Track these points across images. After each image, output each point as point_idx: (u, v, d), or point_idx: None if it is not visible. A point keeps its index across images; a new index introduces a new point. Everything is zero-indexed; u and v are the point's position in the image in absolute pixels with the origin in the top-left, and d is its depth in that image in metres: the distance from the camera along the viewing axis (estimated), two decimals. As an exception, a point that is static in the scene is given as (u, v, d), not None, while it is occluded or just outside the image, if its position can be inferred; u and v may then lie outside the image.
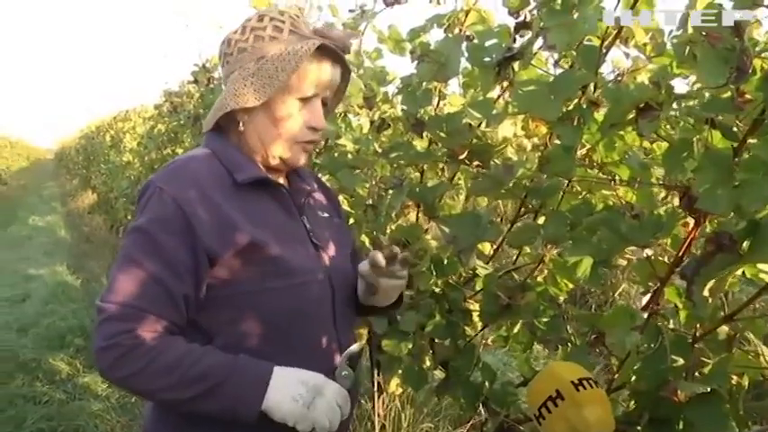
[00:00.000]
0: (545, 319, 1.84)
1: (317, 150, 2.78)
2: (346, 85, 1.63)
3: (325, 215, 1.64)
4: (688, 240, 1.43)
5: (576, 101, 1.63)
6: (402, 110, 2.27)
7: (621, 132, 1.65)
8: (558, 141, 1.72)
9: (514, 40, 1.81)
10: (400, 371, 2.25)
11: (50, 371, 4.71)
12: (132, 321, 1.28)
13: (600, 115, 1.59)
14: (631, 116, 1.44)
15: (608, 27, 1.60)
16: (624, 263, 1.74)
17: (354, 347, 1.47)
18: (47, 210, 15.45)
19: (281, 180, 1.56)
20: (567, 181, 1.75)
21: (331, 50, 1.45)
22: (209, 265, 1.35)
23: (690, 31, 1.37)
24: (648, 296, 1.52)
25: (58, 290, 6.92)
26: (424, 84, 2.14)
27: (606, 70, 1.83)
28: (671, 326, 1.51)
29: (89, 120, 18.77)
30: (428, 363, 2.21)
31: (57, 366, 4.77)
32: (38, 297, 6.68)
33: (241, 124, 1.47)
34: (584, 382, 1.32)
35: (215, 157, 1.46)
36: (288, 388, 1.30)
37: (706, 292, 1.31)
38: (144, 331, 1.29)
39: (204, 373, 1.28)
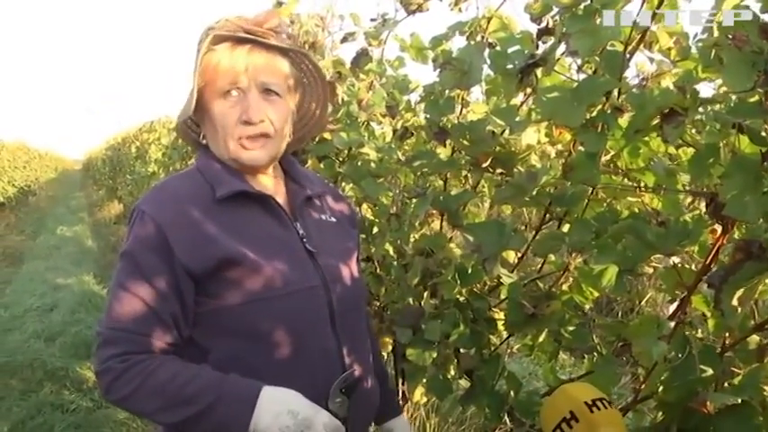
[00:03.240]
0: (571, 328, 1.82)
1: (341, 159, 2.77)
2: (312, 65, 1.60)
3: (331, 219, 1.64)
4: (715, 248, 1.40)
5: (599, 107, 1.61)
6: (425, 118, 2.26)
7: (646, 138, 1.62)
8: (581, 148, 1.70)
9: (537, 47, 1.79)
10: (425, 380, 2.24)
11: (78, 379, 4.78)
12: (123, 344, 1.32)
13: (624, 121, 1.57)
14: (656, 122, 1.42)
15: (631, 31, 1.58)
16: (650, 271, 1.72)
17: (348, 373, 1.45)
18: (74, 220, 15.62)
19: (273, 185, 1.57)
20: (591, 188, 1.72)
21: (227, 36, 1.42)
22: (191, 282, 1.36)
23: (716, 34, 1.35)
24: (675, 305, 1.49)
25: (84, 299, 7.01)
26: (447, 92, 2.12)
27: (630, 75, 1.82)
28: (699, 335, 1.48)
29: (116, 131, 19.02)
30: (453, 372, 2.19)
31: (84, 375, 4.84)
32: (65, 306, 6.76)
33: (202, 137, 1.52)
34: (599, 403, 1.30)
35: (199, 172, 1.48)
36: (276, 418, 1.28)
37: (735, 301, 1.28)
38: (134, 354, 1.31)
39: (192, 396, 1.29)
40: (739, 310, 1.30)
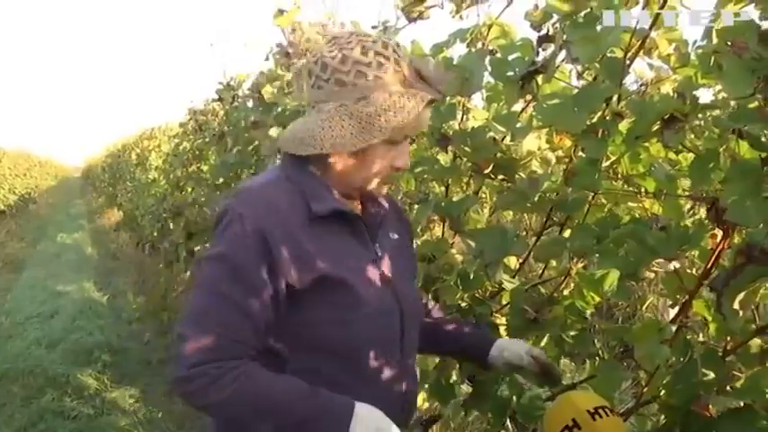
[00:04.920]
0: (572, 333, 1.83)
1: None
2: None
3: (396, 237, 1.62)
4: (716, 252, 1.42)
5: (600, 113, 1.63)
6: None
7: (647, 144, 1.64)
8: (582, 154, 1.71)
9: (537, 54, 1.81)
10: (427, 385, 2.25)
11: (79, 386, 4.78)
12: (216, 350, 1.30)
13: (624, 127, 1.58)
14: (656, 128, 1.43)
15: (631, 38, 1.59)
16: (652, 275, 1.73)
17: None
18: (74, 227, 15.64)
19: (356, 204, 1.55)
20: (592, 194, 1.73)
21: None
22: (287, 294, 1.36)
23: (715, 40, 1.36)
24: (677, 309, 1.51)
25: (85, 306, 7.03)
26: (448, 98, 2.14)
27: (629, 81, 1.84)
28: (701, 339, 1.50)
29: (115, 138, 19.01)
30: (455, 377, 2.20)
31: (85, 382, 4.84)
32: (66, 313, 6.78)
33: (330, 160, 1.44)
34: (601, 411, 1.31)
35: (291, 184, 1.44)
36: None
37: (736, 305, 1.30)
38: (228, 359, 1.30)
39: (287, 407, 1.30)
40: (741, 313, 1.31)
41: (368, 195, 1.55)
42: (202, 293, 1.35)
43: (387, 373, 1.48)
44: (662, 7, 1.58)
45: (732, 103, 1.37)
